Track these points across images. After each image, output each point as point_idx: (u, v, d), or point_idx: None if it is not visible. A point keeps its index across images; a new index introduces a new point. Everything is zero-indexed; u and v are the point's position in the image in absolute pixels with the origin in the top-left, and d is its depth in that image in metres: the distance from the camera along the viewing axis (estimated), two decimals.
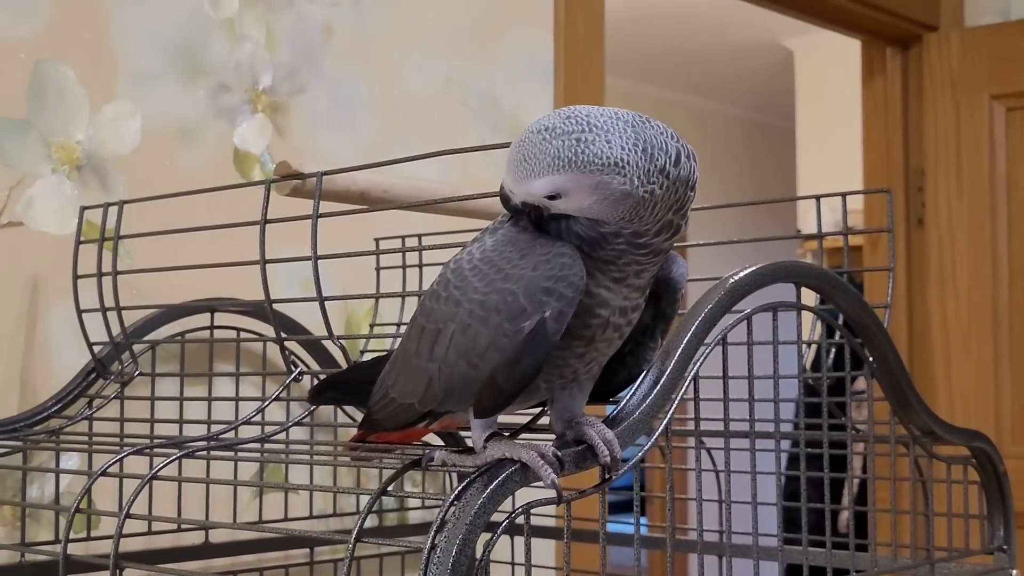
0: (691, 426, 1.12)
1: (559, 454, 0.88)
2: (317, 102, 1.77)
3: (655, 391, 0.97)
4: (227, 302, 1.53)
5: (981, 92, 2.84)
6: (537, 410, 1.04)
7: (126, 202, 1.37)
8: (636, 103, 6.33)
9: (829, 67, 5.61)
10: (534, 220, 0.89)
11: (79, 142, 1.53)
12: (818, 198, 1.34)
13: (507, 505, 0.88)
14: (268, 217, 1.23)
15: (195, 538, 1.55)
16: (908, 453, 1.34)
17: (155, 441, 1.26)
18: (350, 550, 0.87)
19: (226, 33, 1.68)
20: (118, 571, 1.06)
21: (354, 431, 1.10)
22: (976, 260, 2.84)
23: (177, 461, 1.18)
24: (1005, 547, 1.38)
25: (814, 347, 1.33)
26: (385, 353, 1.08)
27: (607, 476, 0.94)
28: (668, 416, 0.98)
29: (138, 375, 1.42)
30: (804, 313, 1.18)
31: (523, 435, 1.01)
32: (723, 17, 5.42)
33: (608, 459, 0.92)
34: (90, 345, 1.43)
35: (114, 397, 1.42)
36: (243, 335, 1.55)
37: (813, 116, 5.89)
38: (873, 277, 2.85)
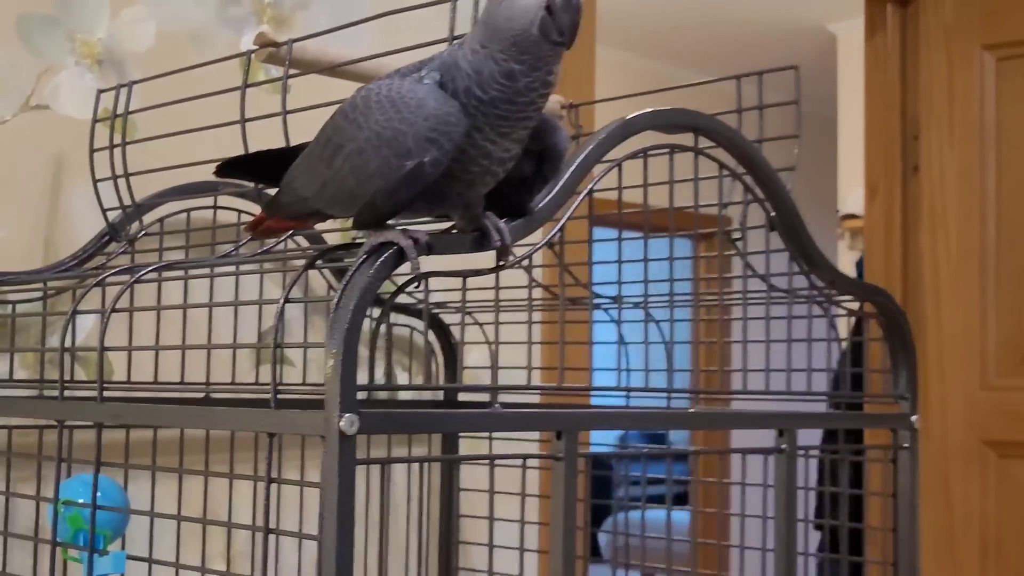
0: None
1: (428, 240, 1.05)
2: (319, 17, 1.96)
3: (551, 195, 1.14)
4: (228, 184, 1.72)
5: (973, 43, 2.97)
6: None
7: (135, 82, 1.57)
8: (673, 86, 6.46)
9: None
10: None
11: (100, 39, 1.74)
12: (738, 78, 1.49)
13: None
14: (249, 83, 1.42)
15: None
16: (823, 307, 1.49)
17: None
18: (279, 312, 1.05)
19: None
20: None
21: None
22: (965, 205, 2.97)
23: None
24: (907, 395, 1.53)
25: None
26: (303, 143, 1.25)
27: (500, 263, 1.11)
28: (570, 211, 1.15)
29: (143, 235, 1.62)
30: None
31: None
32: (765, 1, 5.53)
33: (499, 243, 1.09)
34: (104, 211, 1.62)
35: (122, 252, 1.61)
36: (243, 216, 1.74)
37: (855, 101, 5.97)
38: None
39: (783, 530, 1.37)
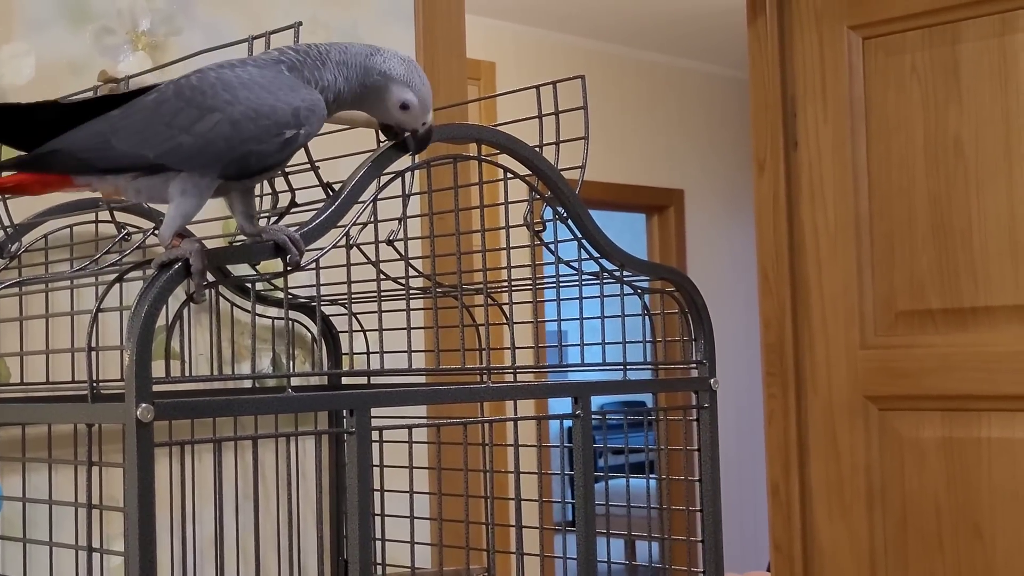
0: None
1: (205, 249, 1.22)
2: (192, 41, 2.14)
3: (337, 204, 1.33)
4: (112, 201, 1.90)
5: (840, 24, 3.16)
6: None
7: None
8: (625, 68, 6.66)
9: None
10: None
11: None
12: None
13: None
14: None
15: None
16: (619, 285, 1.67)
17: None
18: None
19: None
20: None
21: None
22: (840, 175, 3.16)
23: None
24: (705, 360, 1.72)
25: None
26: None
27: (290, 265, 1.30)
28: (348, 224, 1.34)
29: (23, 251, 1.80)
30: None
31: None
32: None
33: (296, 254, 1.27)
34: None
35: (4, 268, 1.80)
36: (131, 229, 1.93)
37: None
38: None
39: (582, 485, 1.57)
